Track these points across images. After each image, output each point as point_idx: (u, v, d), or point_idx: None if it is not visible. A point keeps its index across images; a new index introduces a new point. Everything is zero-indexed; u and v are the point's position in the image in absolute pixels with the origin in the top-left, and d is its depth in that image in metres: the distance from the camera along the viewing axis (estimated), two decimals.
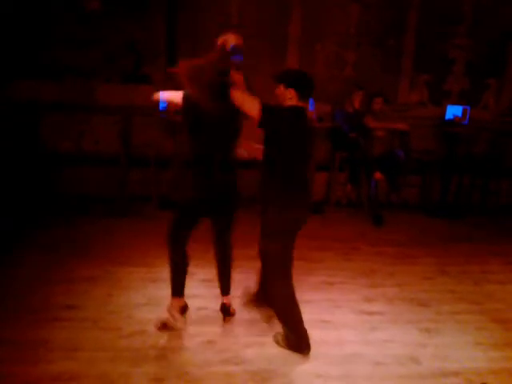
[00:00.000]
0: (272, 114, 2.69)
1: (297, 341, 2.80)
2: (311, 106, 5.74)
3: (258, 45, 6.10)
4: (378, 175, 5.37)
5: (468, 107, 6.04)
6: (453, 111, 6.06)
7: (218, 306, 3.21)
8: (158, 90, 5.01)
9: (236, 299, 3.23)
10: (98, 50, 5.82)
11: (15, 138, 5.54)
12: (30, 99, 5.68)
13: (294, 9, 6.04)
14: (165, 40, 5.98)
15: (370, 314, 3.30)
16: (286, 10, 6.04)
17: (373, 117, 5.55)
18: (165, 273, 3.09)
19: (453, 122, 6.03)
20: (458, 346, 2.97)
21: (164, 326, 2.97)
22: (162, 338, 2.88)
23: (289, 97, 2.75)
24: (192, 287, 3.42)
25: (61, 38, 5.74)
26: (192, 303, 3.24)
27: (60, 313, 3.11)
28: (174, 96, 3.00)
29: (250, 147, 3.11)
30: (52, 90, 5.75)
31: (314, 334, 2.97)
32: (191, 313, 3.17)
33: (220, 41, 2.97)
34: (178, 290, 2.99)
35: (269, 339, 2.92)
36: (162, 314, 3.02)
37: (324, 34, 6.17)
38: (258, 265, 3.82)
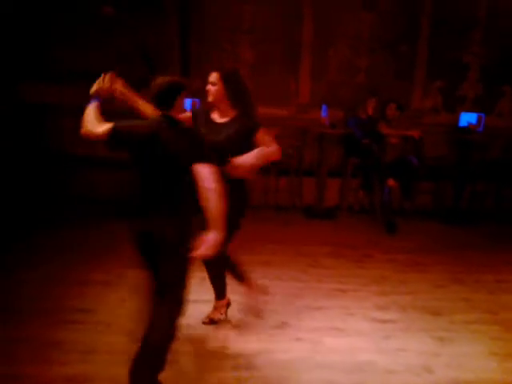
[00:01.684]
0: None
1: None
2: (324, 112, 5.76)
3: (270, 50, 6.14)
4: (391, 182, 5.35)
5: (483, 115, 5.99)
6: (467, 118, 6.01)
7: (229, 311, 3.23)
8: None
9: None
10: (111, 56, 5.88)
11: (28, 139, 5.62)
12: (44, 102, 5.77)
13: (306, 14, 6.06)
14: (178, 45, 6.03)
15: (383, 321, 3.28)
16: (299, 15, 6.06)
17: (386, 123, 5.54)
18: None
19: (467, 129, 5.99)
20: (472, 356, 2.93)
21: (211, 321, 3.14)
22: (175, 342, 2.89)
23: None
24: (205, 293, 3.44)
25: (74, 42, 5.82)
26: (203, 308, 3.25)
27: (74, 315, 3.14)
28: None
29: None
30: (68, 94, 5.82)
31: (327, 341, 2.98)
32: (201, 318, 3.17)
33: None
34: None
35: (280, 346, 2.92)
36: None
37: (337, 40, 6.19)
38: (267, 270, 3.83)
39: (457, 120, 6.09)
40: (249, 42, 6.13)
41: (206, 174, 2.23)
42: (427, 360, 2.86)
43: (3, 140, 5.47)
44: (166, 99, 2.34)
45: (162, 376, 2.55)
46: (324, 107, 5.74)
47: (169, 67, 5.92)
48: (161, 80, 2.38)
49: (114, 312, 3.23)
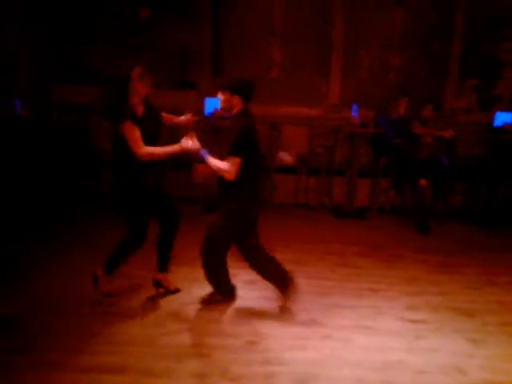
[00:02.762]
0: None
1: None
2: (354, 112, 5.72)
3: (301, 51, 6.15)
4: (422, 182, 5.27)
5: None
6: (503, 118, 5.86)
7: (259, 307, 3.27)
8: (203, 95, 5.17)
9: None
10: (146, 57, 5.99)
11: (69, 140, 5.79)
12: (83, 103, 5.93)
13: (337, 13, 6.04)
14: (211, 47, 6.10)
15: (414, 321, 3.24)
16: (329, 14, 6.05)
17: (421, 124, 5.47)
18: None
19: (502, 128, 5.84)
20: (506, 358, 2.87)
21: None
22: (205, 337, 2.94)
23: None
24: (239, 289, 3.49)
25: (113, 45, 5.97)
26: (235, 304, 3.30)
27: (106, 308, 3.24)
28: None
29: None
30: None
31: (356, 339, 2.97)
32: (232, 313, 3.22)
33: None
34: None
35: (309, 343, 2.92)
36: (208, 312, 3.09)
37: (368, 39, 6.14)
38: (297, 269, 3.84)
39: (491, 119, 5.95)
40: (280, 43, 6.15)
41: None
42: (459, 361, 2.81)
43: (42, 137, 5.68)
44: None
45: (194, 368, 2.60)
46: (354, 107, 5.71)
47: (202, 67, 6.01)
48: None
49: (145, 305, 3.31)
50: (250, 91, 3.13)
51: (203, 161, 3.09)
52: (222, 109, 3.24)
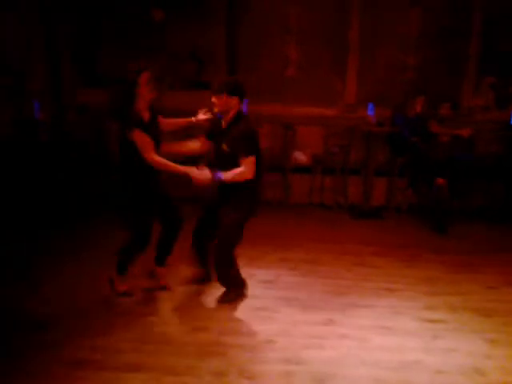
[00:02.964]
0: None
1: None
2: (370, 111, 5.71)
3: (317, 50, 6.14)
4: (440, 180, 5.23)
5: None
6: None
7: (277, 307, 3.30)
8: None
9: (297, 301, 3.28)
10: (161, 58, 6.05)
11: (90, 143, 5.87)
12: (98, 106, 6.01)
13: (354, 12, 6.02)
14: (225, 46, 6.13)
15: (432, 321, 3.23)
16: (346, 13, 6.03)
17: (438, 122, 5.44)
18: None
19: None
20: None
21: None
22: (224, 335, 2.97)
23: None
24: (251, 287, 3.51)
25: (126, 47, 6.03)
26: (252, 303, 3.34)
27: (126, 307, 3.29)
28: None
29: None
30: None
31: (374, 338, 2.97)
32: (250, 312, 3.25)
33: None
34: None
35: (327, 342, 2.94)
36: (225, 311, 3.13)
37: (384, 37, 6.11)
38: (313, 268, 3.86)
39: (509, 117, 5.88)
40: (295, 41, 6.16)
41: None
42: (478, 362, 2.80)
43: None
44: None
45: (214, 366, 2.63)
46: (370, 105, 5.70)
47: (216, 67, 6.04)
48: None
49: (165, 304, 3.37)
50: (245, 91, 3.23)
51: (218, 183, 3.14)
52: (217, 112, 3.26)
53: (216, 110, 3.24)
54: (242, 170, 3.10)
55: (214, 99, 3.19)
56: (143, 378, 2.53)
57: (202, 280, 3.59)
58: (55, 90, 6.12)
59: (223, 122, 3.27)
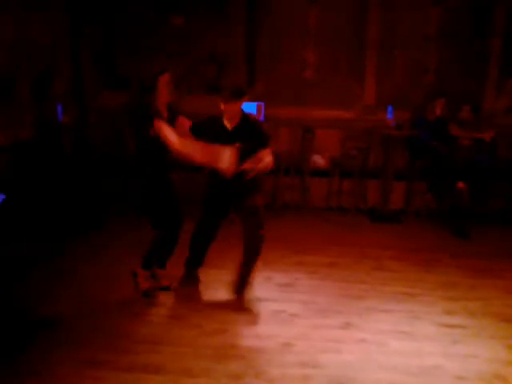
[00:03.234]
0: None
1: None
2: (389, 114, 5.67)
3: (335, 52, 6.13)
4: (460, 184, 5.16)
5: None
6: None
7: (293, 310, 3.30)
8: None
9: (315, 305, 3.30)
10: (181, 61, 6.10)
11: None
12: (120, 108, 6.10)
13: (372, 13, 5.97)
14: (244, 49, 6.16)
15: (451, 326, 3.20)
16: (364, 14, 5.99)
17: (459, 125, 5.37)
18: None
19: None
20: None
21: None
22: (241, 338, 2.99)
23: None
24: (268, 291, 3.53)
25: (148, 51, 6.11)
26: (268, 306, 3.35)
27: (143, 308, 3.34)
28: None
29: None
30: None
31: (392, 343, 2.96)
32: (268, 315, 3.26)
33: None
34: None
35: (345, 346, 2.93)
36: (243, 314, 3.14)
37: (403, 39, 6.06)
38: (332, 272, 3.86)
39: None
40: (314, 44, 6.15)
41: None
42: (499, 368, 2.76)
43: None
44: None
45: (231, 369, 2.66)
46: (389, 108, 5.66)
47: (236, 69, 6.07)
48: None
49: (182, 306, 3.40)
50: (248, 90, 3.44)
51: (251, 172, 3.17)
52: (230, 118, 3.27)
53: (227, 116, 3.27)
54: (271, 159, 3.21)
55: (224, 107, 3.22)
56: (160, 379, 2.57)
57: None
58: (79, 91, 6.23)
59: (228, 125, 3.30)
